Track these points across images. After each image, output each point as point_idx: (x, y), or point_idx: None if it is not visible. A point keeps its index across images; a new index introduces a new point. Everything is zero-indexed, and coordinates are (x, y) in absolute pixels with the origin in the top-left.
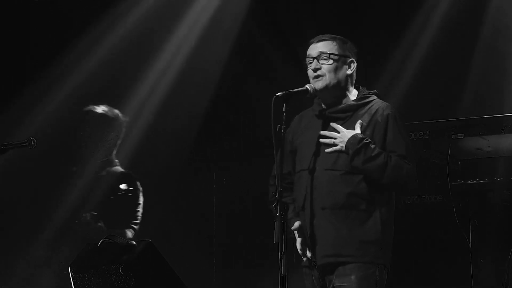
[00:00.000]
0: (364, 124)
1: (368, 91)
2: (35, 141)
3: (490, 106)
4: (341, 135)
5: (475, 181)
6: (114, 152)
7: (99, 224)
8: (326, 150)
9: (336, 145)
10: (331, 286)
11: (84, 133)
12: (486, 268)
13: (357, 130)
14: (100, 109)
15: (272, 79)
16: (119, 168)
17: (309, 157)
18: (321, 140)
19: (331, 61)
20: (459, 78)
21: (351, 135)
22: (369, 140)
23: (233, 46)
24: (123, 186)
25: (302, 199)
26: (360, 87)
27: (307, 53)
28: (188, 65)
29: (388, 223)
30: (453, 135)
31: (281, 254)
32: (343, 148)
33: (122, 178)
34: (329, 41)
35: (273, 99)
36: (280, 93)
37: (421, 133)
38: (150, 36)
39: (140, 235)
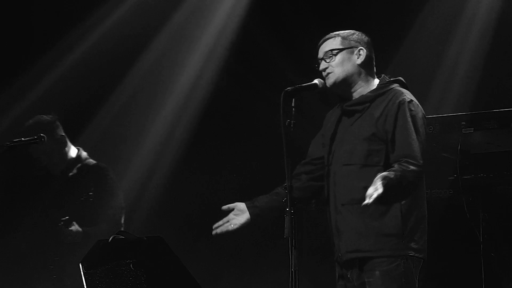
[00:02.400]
0: (379, 114)
1: (388, 80)
2: (45, 138)
3: (500, 100)
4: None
5: (485, 175)
6: (71, 147)
7: (71, 228)
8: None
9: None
10: (360, 281)
11: (43, 154)
12: (496, 262)
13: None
14: (40, 118)
15: (276, 76)
16: (90, 162)
17: (331, 152)
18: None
19: (334, 57)
20: (469, 72)
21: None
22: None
23: (234, 45)
24: (93, 183)
25: (327, 195)
26: (383, 76)
27: (317, 58)
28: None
29: (410, 214)
30: (463, 129)
31: (291, 249)
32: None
33: (93, 172)
34: (331, 39)
35: (282, 94)
36: (289, 88)
37: (430, 128)
38: (146, 33)
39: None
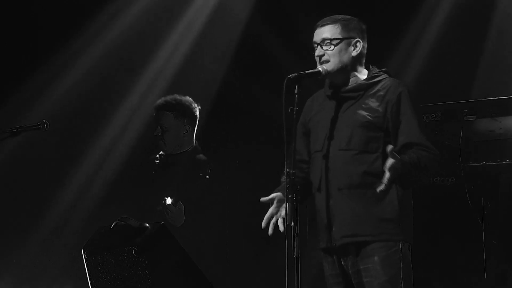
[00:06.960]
0: (377, 102)
1: (378, 70)
2: (48, 124)
3: (502, 88)
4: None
5: (487, 163)
6: (194, 140)
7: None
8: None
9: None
10: (355, 269)
11: (162, 126)
12: (498, 249)
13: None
14: (175, 99)
15: (276, 65)
16: (202, 157)
17: (323, 138)
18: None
19: (333, 46)
20: (471, 59)
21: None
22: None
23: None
24: (202, 172)
25: (318, 181)
26: (371, 66)
27: (313, 39)
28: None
29: (405, 199)
30: (465, 116)
31: (294, 236)
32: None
33: (202, 165)
34: (331, 25)
35: (285, 81)
36: (292, 74)
37: (433, 115)
38: (156, 21)
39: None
